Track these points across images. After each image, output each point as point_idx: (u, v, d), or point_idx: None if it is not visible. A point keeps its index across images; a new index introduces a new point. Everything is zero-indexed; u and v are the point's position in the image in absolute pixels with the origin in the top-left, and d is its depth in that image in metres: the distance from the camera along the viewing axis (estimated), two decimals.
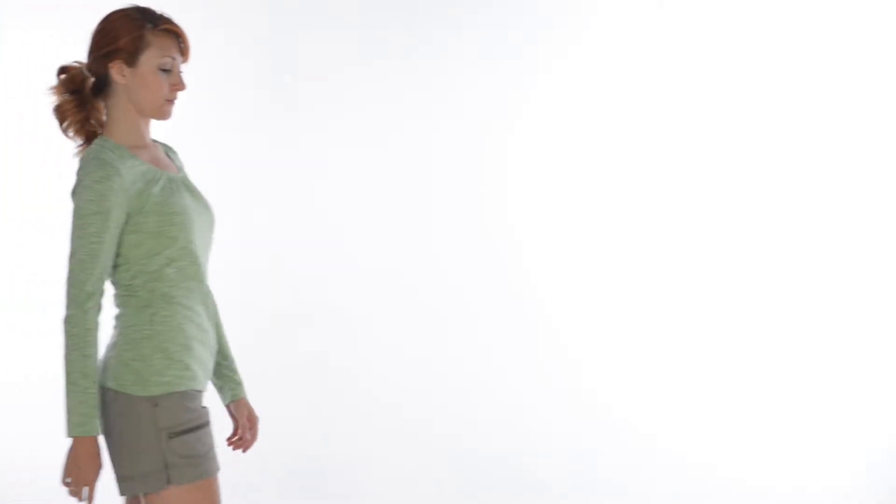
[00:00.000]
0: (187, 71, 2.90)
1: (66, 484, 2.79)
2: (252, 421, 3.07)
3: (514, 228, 5.16)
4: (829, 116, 5.05)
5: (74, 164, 2.90)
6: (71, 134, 2.93)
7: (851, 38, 5.02)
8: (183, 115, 5.20)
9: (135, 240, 2.81)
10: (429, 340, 5.15)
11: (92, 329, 2.76)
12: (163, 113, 2.85)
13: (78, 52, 5.18)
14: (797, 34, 5.05)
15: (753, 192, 5.08)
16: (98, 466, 2.77)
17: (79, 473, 2.78)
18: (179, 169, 3.01)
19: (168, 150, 3.04)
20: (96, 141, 2.86)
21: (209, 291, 2.94)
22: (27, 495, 4.93)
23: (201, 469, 2.78)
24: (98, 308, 2.79)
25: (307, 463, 5.08)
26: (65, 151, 5.08)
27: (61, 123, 2.91)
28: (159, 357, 2.79)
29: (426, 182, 5.15)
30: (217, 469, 2.82)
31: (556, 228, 5.17)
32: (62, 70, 2.90)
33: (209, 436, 2.82)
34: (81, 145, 2.94)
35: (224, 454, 2.99)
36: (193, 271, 2.85)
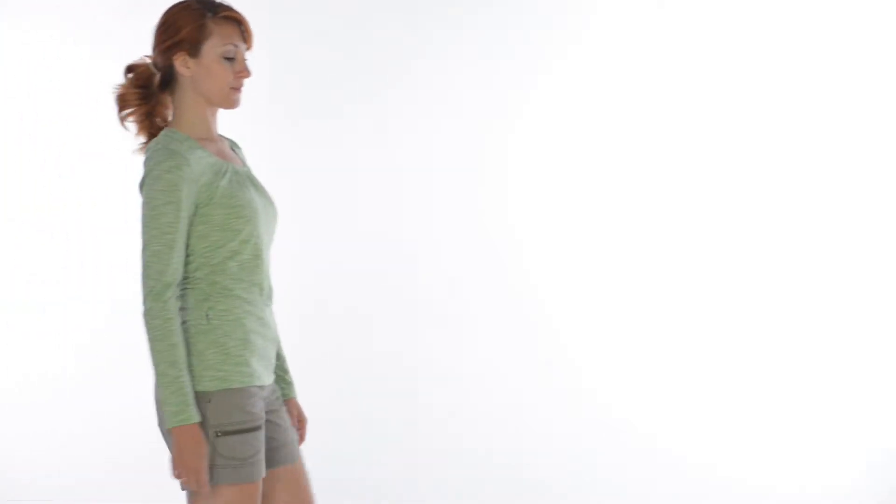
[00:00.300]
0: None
1: (176, 476, 2.74)
2: (301, 422, 3.06)
3: (514, 228, 5.16)
4: (829, 116, 5.05)
5: (139, 158, 2.89)
6: (130, 124, 2.90)
7: (851, 38, 5.02)
8: None
9: (201, 231, 2.78)
10: (428, 340, 5.15)
11: (173, 318, 2.71)
12: (230, 101, 2.84)
13: (78, 53, 5.16)
14: (797, 34, 5.05)
15: (753, 192, 5.08)
16: (204, 451, 2.73)
17: (186, 462, 2.73)
18: (244, 163, 2.99)
19: (233, 145, 3.03)
20: (164, 132, 2.83)
21: (272, 288, 2.92)
22: (27, 495, 4.93)
23: (243, 473, 2.75)
24: (177, 297, 2.75)
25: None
26: (65, 151, 5.10)
27: (121, 111, 2.89)
28: (214, 352, 2.76)
29: (426, 182, 5.15)
30: (261, 474, 2.79)
31: (556, 228, 5.17)
32: (129, 69, 2.90)
33: (258, 440, 2.78)
34: (144, 142, 2.91)
35: None
36: (255, 265, 2.82)
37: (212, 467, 2.75)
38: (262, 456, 2.79)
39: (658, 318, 5.11)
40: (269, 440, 2.89)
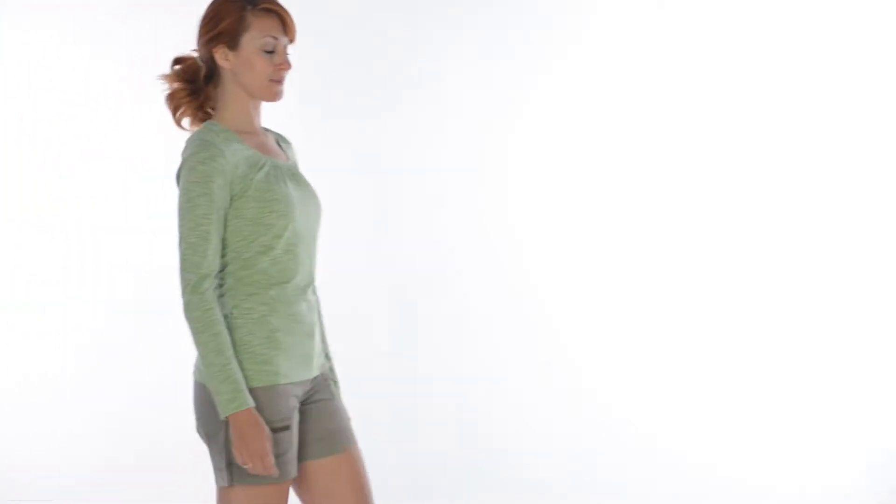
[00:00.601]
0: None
1: (242, 464, 2.70)
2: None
3: (514, 228, 5.16)
4: (830, 116, 5.04)
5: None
6: (185, 123, 2.88)
7: (851, 38, 5.01)
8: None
9: (234, 225, 2.75)
10: (428, 340, 5.15)
11: (213, 308, 2.69)
12: (271, 94, 2.81)
13: (78, 53, 5.15)
14: (797, 34, 5.05)
15: (753, 192, 5.08)
16: (264, 433, 2.70)
17: (249, 447, 2.69)
18: (289, 158, 2.96)
19: (280, 139, 3.00)
20: (204, 124, 2.82)
21: (311, 282, 2.88)
22: (27, 495, 4.93)
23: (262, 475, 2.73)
24: (215, 287, 2.73)
25: None
26: (65, 152, 5.10)
27: (174, 113, 2.87)
28: (237, 350, 2.73)
29: (426, 182, 5.15)
30: (288, 475, 2.76)
31: (556, 228, 5.17)
32: (177, 60, 2.88)
33: (285, 441, 2.76)
34: None
35: None
36: (289, 260, 2.78)
37: (232, 466, 2.73)
38: (289, 456, 2.77)
39: (658, 319, 5.11)
40: (308, 431, 2.86)
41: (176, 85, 2.85)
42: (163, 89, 2.87)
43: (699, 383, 5.06)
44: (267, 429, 2.70)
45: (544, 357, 5.11)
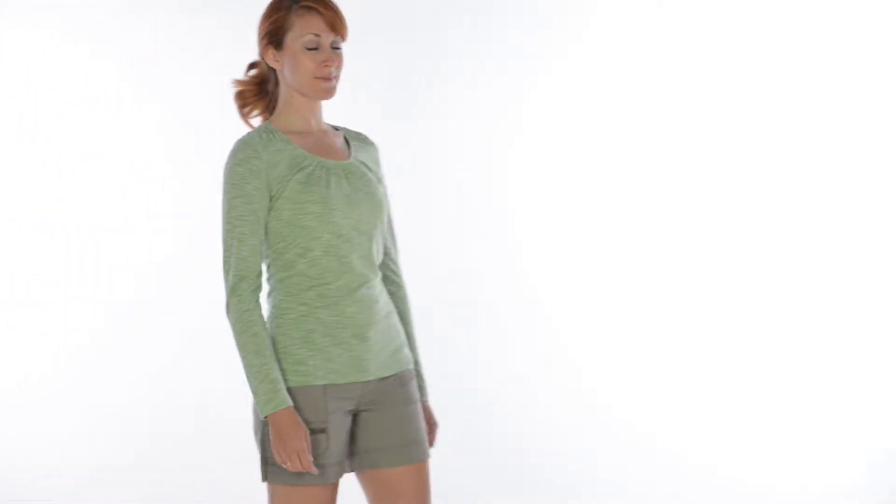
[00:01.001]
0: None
1: (281, 463, 2.69)
2: (431, 426, 2.97)
3: (514, 228, 5.16)
4: (830, 116, 5.04)
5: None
6: (253, 119, 2.89)
7: (852, 38, 5.01)
8: (174, 117, 5.19)
9: (273, 227, 2.74)
10: (428, 340, 5.14)
11: (251, 309, 2.70)
12: (319, 91, 2.80)
13: (78, 53, 5.15)
14: (797, 34, 5.05)
15: (754, 192, 5.08)
16: (302, 430, 2.68)
17: (286, 446, 2.67)
18: (352, 157, 2.91)
19: (354, 138, 2.98)
20: (258, 125, 2.83)
21: (366, 282, 2.80)
22: (27, 495, 4.93)
23: (296, 475, 2.70)
24: (255, 289, 2.73)
25: None
26: (65, 151, 5.09)
27: (241, 108, 2.88)
28: (273, 350, 2.72)
29: (425, 182, 5.15)
30: (326, 480, 2.72)
31: (556, 228, 5.17)
32: (252, 65, 2.89)
33: (321, 443, 2.72)
34: None
35: None
36: (329, 262, 2.74)
37: (267, 464, 2.73)
38: (327, 460, 2.73)
39: (658, 319, 5.11)
40: (374, 438, 2.81)
41: (244, 87, 2.87)
42: (232, 88, 2.89)
43: (699, 383, 5.06)
44: (305, 428, 2.68)
45: (544, 357, 5.11)
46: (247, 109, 2.87)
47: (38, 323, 5.03)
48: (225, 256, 2.72)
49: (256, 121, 2.90)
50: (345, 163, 2.84)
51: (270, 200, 2.72)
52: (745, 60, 5.07)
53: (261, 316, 2.70)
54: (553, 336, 5.13)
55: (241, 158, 2.71)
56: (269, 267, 2.78)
